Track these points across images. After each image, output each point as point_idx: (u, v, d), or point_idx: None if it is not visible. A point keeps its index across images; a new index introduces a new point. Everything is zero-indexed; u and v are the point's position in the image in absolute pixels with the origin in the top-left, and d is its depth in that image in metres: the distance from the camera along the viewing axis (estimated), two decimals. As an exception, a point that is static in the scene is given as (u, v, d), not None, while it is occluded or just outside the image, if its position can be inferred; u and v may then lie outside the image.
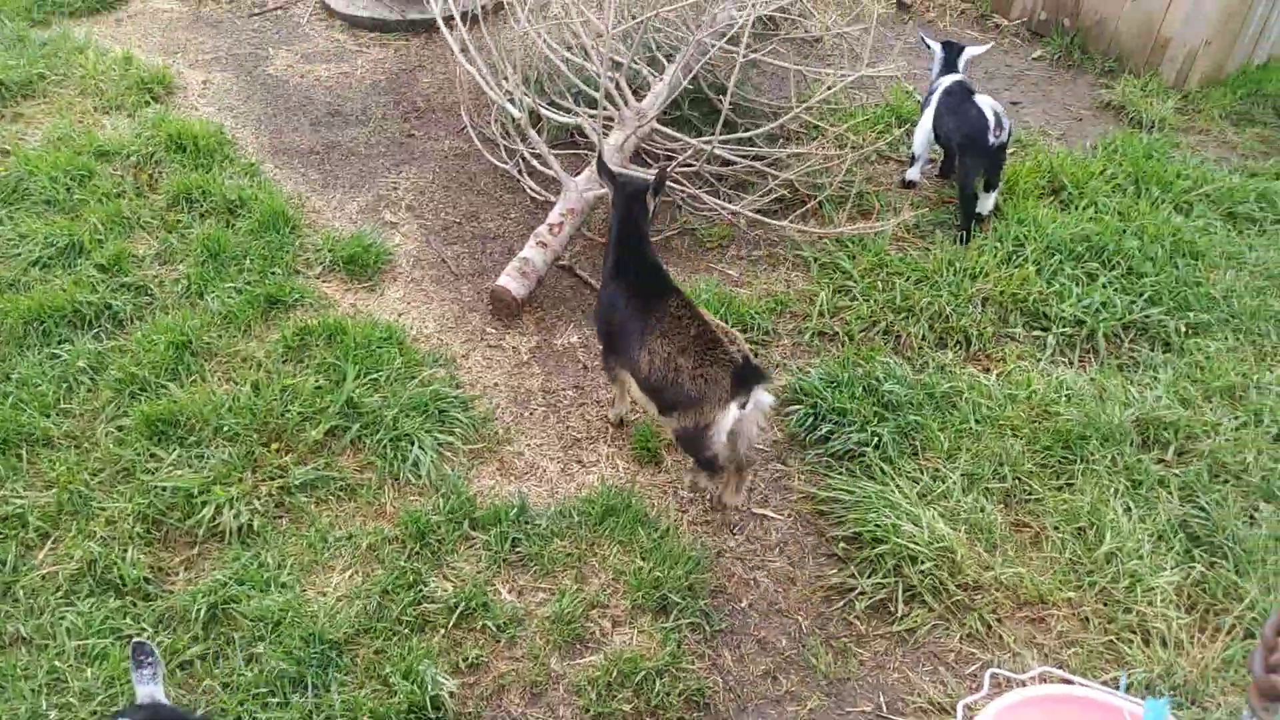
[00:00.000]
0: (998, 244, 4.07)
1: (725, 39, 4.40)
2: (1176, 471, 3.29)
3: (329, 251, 4.06)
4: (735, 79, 4.15)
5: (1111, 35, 5.45)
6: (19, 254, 3.90)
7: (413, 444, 3.27)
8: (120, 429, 3.28)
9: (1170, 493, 3.22)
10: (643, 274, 3.18)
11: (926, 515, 3.09)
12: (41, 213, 4.09)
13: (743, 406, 2.91)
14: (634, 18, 4.36)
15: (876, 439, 3.35)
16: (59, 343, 3.56)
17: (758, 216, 4.20)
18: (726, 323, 3.79)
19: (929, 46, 4.45)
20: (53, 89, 4.86)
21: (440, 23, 4.53)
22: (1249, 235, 4.30)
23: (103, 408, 3.34)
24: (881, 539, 3.05)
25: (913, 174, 4.49)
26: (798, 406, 3.50)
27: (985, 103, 4.07)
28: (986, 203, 4.22)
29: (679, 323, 3.02)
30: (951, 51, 4.38)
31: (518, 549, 3.03)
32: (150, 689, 2.18)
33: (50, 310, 3.62)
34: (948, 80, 4.28)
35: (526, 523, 3.09)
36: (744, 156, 4.40)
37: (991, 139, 4.01)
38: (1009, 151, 4.27)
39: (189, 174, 4.31)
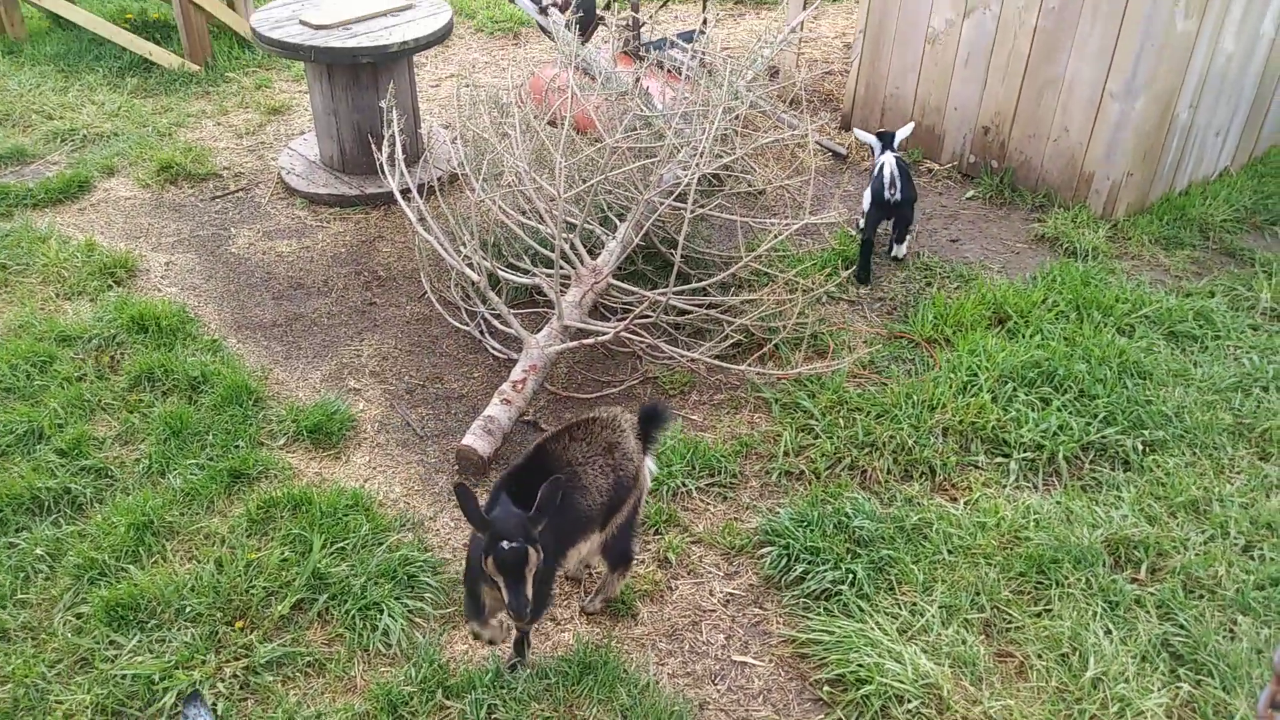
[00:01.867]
0: (952, 375, 4.17)
1: (673, 197, 4.58)
2: (1152, 590, 3.30)
3: (293, 422, 4.06)
4: (685, 233, 4.30)
5: (1038, 173, 5.74)
6: (-23, 443, 3.86)
7: (382, 612, 3.21)
8: (79, 617, 3.18)
9: (1148, 611, 3.22)
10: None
11: (909, 652, 3.05)
12: (0, 400, 4.08)
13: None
14: (584, 181, 4.54)
15: (851, 576, 3.33)
16: (16, 531, 3.49)
17: (716, 362, 4.28)
18: (694, 468, 3.83)
19: (867, 140, 5.43)
20: (14, 278, 4.92)
21: (398, 195, 4.68)
22: (1192, 352, 4.44)
23: (60, 595, 3.25)
24: (865, 679, 2.99)
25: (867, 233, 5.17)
26: (770, 548, 3.49)
27: (889, 163, 4.94)
28: (899, 250, 5.21)
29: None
30: (885, 138, 5.30)
31: (494, 716, 2.94)
32: None
33: (7, 498, 3.56)
34: (888, 157, 5.07)
35: (502, 688, 3.00)
36: (699, 305, 4.52)
37: (887, 195, 4.88)
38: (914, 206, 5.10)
39: (151, 354, 4.34)
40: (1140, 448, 3.88)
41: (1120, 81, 5.16)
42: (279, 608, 3.20)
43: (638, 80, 5.11)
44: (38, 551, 3.39)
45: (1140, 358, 4.28)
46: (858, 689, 2.99)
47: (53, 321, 4.54)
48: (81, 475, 3.73)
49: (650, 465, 3.19)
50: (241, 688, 3.00)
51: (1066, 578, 3.32)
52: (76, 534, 3.48)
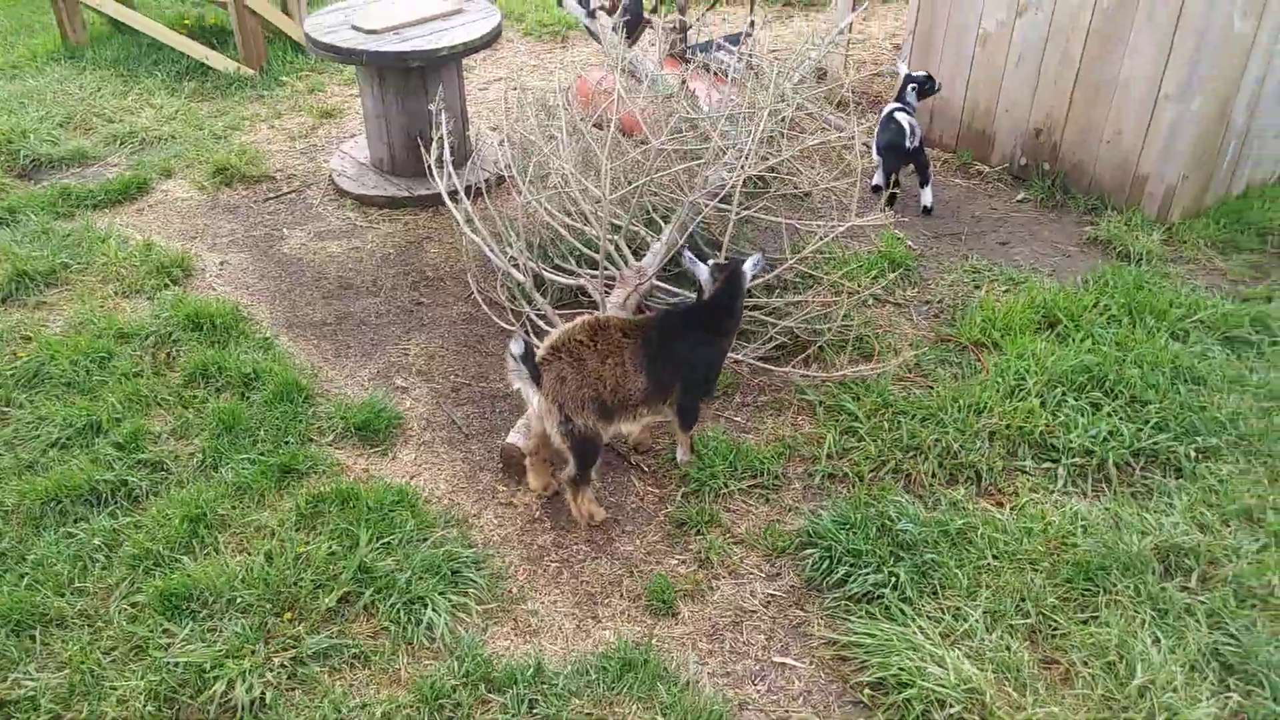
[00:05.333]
0: (999, 378, 4.13)
1: (718, 199, 4.59)
2: (1202, 598, 3.23)
3: (341, 419, 4.13)
4: (729, 235, 4.31)
5: (1091, 176, 5.66)
6: (38, 436, 3.98)
7: (426, 606, 3.25)
8: (134, 605, 3.27)
9: (1198, 620, 3.16)
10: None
11: (951, 656, 3.03)
12: (61, 395, 4.20)
13: None
14: (629, 183, 4.57)
15: (894, 579, 3.31)
16: (75, 521, 3.59)
17: (760, 364, 4.27)
18: (736, 469, 3.83)
19: (897, 71, 5.91)
20: (75, 277, 5.06)
21: (445, 197, 4.74)
22: (1248, 358, 4.35)
23: (117, 585, 3.34)
24: (907, 683, 2.97)
25: (876, 179, 5.83)
26: (812, 550, 3.48)
27: (902, 116, 5.47)
28: (925, 196, 5.72)
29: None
30: (904, 82, 5.74)
31: (535, 710, 2.96)
32: None
33: (67, 490, 3.67)
34: (899, 111, 5.57)
35: (543, 683, 3.03)
36: (744, 307, 4.51)
37: (908, 144, 5.43)
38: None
39: (205, 351, 4.44)
40: (1193, 454, 3.81)
41: (1176, 83, 5.07)
42: (326, 600, 3.25)
43: (684, 82, 5.13)
44: (95, 542, 3.48)
45: (1194, 363, 4.20)
46: (899, 693, 2.97)
47: (111, 319, 4.66)
48: (138, 468, 3.83)
49: None
50: (289, 678, 3.06)
51: (1114, 585, 3.27)
52: (133, 525, 3.57)
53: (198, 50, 7.56)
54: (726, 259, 3.76)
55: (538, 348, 3.46)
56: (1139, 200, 5.46)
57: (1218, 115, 5.19)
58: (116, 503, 3.69)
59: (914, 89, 5.68)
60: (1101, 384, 4.08)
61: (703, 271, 3.70)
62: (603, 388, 3.44)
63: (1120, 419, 3.93)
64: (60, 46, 7.89)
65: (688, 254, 3.80)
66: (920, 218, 5.68)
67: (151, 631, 3.15)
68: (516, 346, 3.27)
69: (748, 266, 3.70)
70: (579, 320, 3.56)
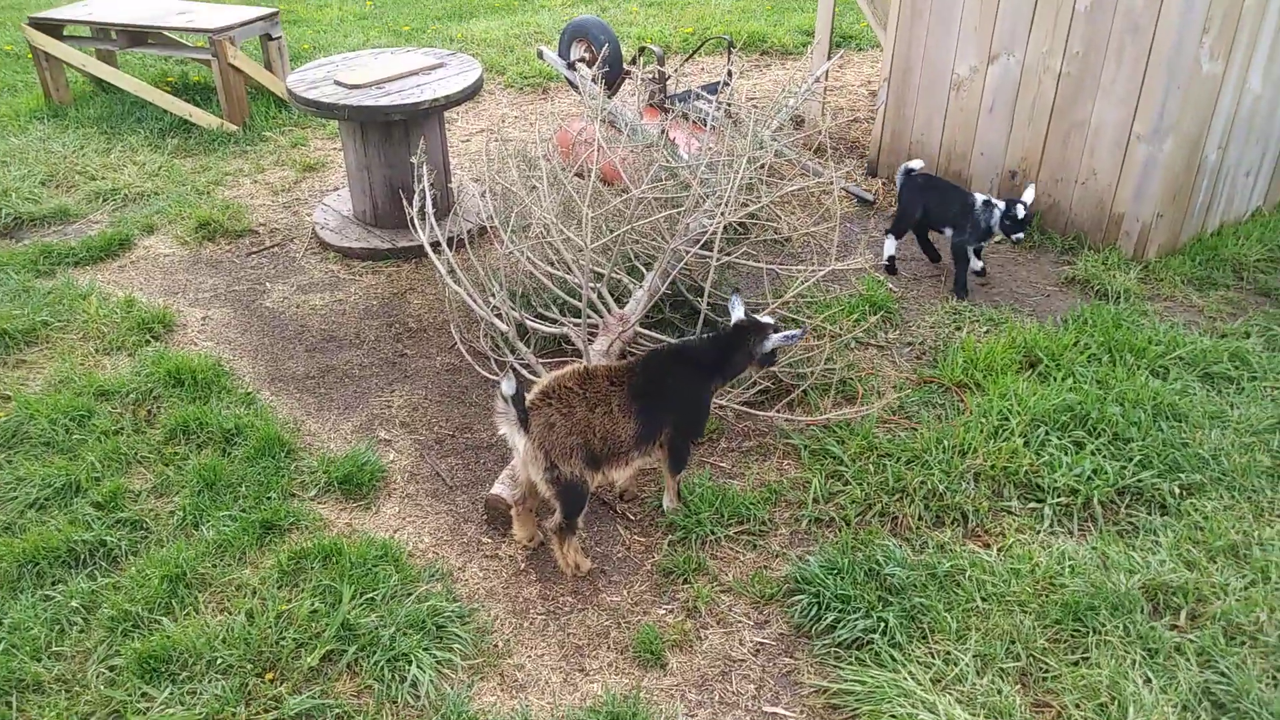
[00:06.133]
0: (983, 419, 4.14)
1: (699, 245, 4.62)
2: (1191, 637, 3.22)
3: (324, 473, 4.10)
4: (711, 281, 4.33)
5: (1067, 216, 5.73)
6: (15, 497, 3.93)
7: (411, 664, 3.20)
8: (112, 669, 3.21)
9: (1188, 659, 3.14)
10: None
11: (943, 702, 3.00)
12: (40, 454, 4.16)
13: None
14: (611, 232, 4.59)
15: (883, 624, 3.29)
16: (53, 583, 3.54)
17: (744, 409, 4.27)
18: (722, 515, 3.81)
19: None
20: (55, 335, 5.03)
21: (428, 248, 4.76)
22: (1228, 394, 4.37)
23: (94, 648, 3.28)
24: (898, 730, 2.94)
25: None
26: (800, 596, 3.45)
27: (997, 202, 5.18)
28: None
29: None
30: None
31: (522, 768, 2.91)
32: None
33: (45, 551, 3.62)
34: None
35: (530, 739, 2.99)
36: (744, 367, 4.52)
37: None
38: None
39: (186, 407, 4.41)
40: (1177, 491, 3.82)
41: (1147, 124, 5.16)
42: (309, 659, 3.20)
43: (663, 131, 5.18)
44: (73, 604, 3.43)
45: (1175, 400, 4.22)
46: (891, 741, 2.94)
47: (92, 376, 4.63)
48: (117, 528, 3.78)
49: None
50: (271, 740, 3.00)
51: (1104, 625, 3.25)
52: (111, 586, 3.52)
53: (181, 107, 7.61)
54: (766, 321, 3.85)
55: (528, 392, 3.46)
56: (1115, 239, 5.53)
57: (1189, 154, 5.27)
58: (95, 563, 3.64)
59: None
60: (1084, 422, 4.09)
61: (738, 311, 3.85)
62: (592, 435, 3.43)
63: (1104, 457, 3.94)
64: (43, 105, 7.92)
65: (736, 297, 3.93)
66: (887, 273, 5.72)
67: (130, 695, 3.10)
68: (508, 387, 3.26)
69: (776, 339, 3.77)
70: (569, 369, 3.56)
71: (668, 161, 4.92)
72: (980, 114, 5.92)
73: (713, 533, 3.77)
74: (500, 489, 3.82)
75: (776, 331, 3.77)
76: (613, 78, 6.82)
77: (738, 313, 3.84)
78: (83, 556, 3.65)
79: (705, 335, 3.86)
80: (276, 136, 7.57)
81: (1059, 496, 3.81)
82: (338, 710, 3.09)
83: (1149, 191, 5.29)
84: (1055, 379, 4.41)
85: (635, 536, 3.84)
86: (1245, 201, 5.85)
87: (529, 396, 3.43)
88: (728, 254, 4.71)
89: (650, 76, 6.45)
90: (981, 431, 4.08)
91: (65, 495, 3.94)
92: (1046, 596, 3.39)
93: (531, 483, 3.49)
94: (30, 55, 7.92)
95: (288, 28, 9.97)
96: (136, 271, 5.78)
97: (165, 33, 7.79)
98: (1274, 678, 3.08)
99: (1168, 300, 5.19)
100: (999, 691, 3.06)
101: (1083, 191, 5.59)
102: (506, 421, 3.38)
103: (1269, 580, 3.41)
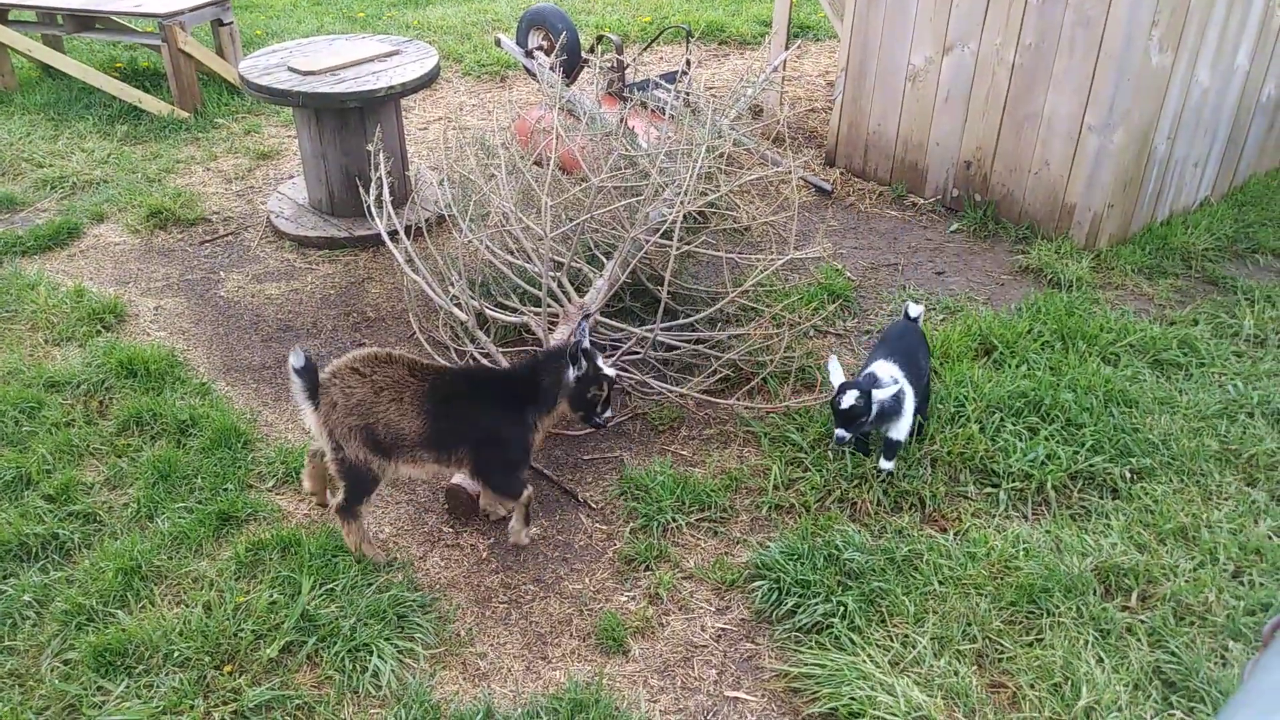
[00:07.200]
0: (939, 406, 4.19)
1: (659, 234, 4.62)
2: (1142, 618, 3.30)
3: (282, 464, 4.06)
4: (671, 270, 4.34)
5: (1021, 206, 5.81)
6: (-36, 491, 3.85)
7: (372, 654, 3.18)
8: (66, 663, 3.16)
9: (1139, 639, 3.22)
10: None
11: (901, 684, 3.04)
12: (-12, 447, 4.07)
13: None
14: (571, 220, 4.58)
15: (842, 609, 3.33)
16: (4, 577, 3.47)
17: (705, 397, 4.29)
18: (684, 503, 3.83)
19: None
20: (2, 325, 4.92)
21: (385, 237, 4.71)
22: (1177, 380, 4.47)
23: (48, 642, 3.23)
24: (858, 713, 2.98)
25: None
26: (761, 582, 3.48)
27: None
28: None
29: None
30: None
31: (485, 756, 2.91)
32: None
33: (-5, 545, 3.55)
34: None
35: (493, 727, 2.99)
36: (686, 341, 4.55)
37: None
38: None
39: (140, 398, 4.34)
40: (1128, 475, 3.90)
41: (1098, 115, 5.24)
42: (268, 650, 3.18)
43: (623, 120, 5.17)
44: (25, 598, 3.37)
45: (1126, 386, 4.31)
46: (851, 722, 2.97)
47: (41, 367, 4.54)
48: (69, 520, 3.72)
49: None
50: (230, 733, 2.97)
51: (1057, 607, 3.32)
52: (64, 580, 3.46)
53: (130, 94, 7.46)
54: (590, 350, 3.52)
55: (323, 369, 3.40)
56: (1068, 229, 5.62)
57: (1139, 145, 5.37)
58: (47, 557, 3.58)
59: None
60: (1038, 408, 4.16)
61: (584, 339, 3.53)
62: (375, 421, 3.35)
63: (1057, 442, 4.01)
64: (-14, 91, 7.73)
65: (586, 341, 3.53)
66: (860, 251, 5.77)
67: (85, 689, 3.05)
68: (296, 359, 3.21)
69: (573, 374, 3.50)
70: (366, 350, 3.49)
71: (627, 150, 4.91)
72: (936, 105, 5.98)
73: (674, 520, 3.79)
74: (460, 479, 3.81)
75: (585, 362, 3.48)
76: (571, 66, 6.80)
77: (575, 338, 3.52)
78: (34, 550, 3.58)
79: (525, 361, 3.67)
80: (229, 124, 7.45)
81: (1014, 481, 3.87)
82: (298, 701, 3.07)
83: (1100, 182, 5.38)
84: (1010, 366, 4.48)
85: (597, 525, 3.85)
86: (1194, 192, 5.98)
87: (324, 371, 3.38)
88: (687, 243, 4.72)
89: (608, 65, 6.43)
90: (938, 418, 4.14)
91: (15, 488, 3.86)
92: (1002, 579, 3.45)
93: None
94: (-27, 39, 7.71)
95: (240, 13, 9.80)
96: (86, 261, 5.67)
97: (113, 17, 7.63)
98: (1222, 657, 3.16)
99: (1119, 288, 5.29)
100: (956, 673, 3.11)
101: (1035, 181, 5.68)
102: (297, 392, 3.31)
103: (1217, 562, 3.50)
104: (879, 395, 3.67)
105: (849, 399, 3.63)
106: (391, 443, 3.39)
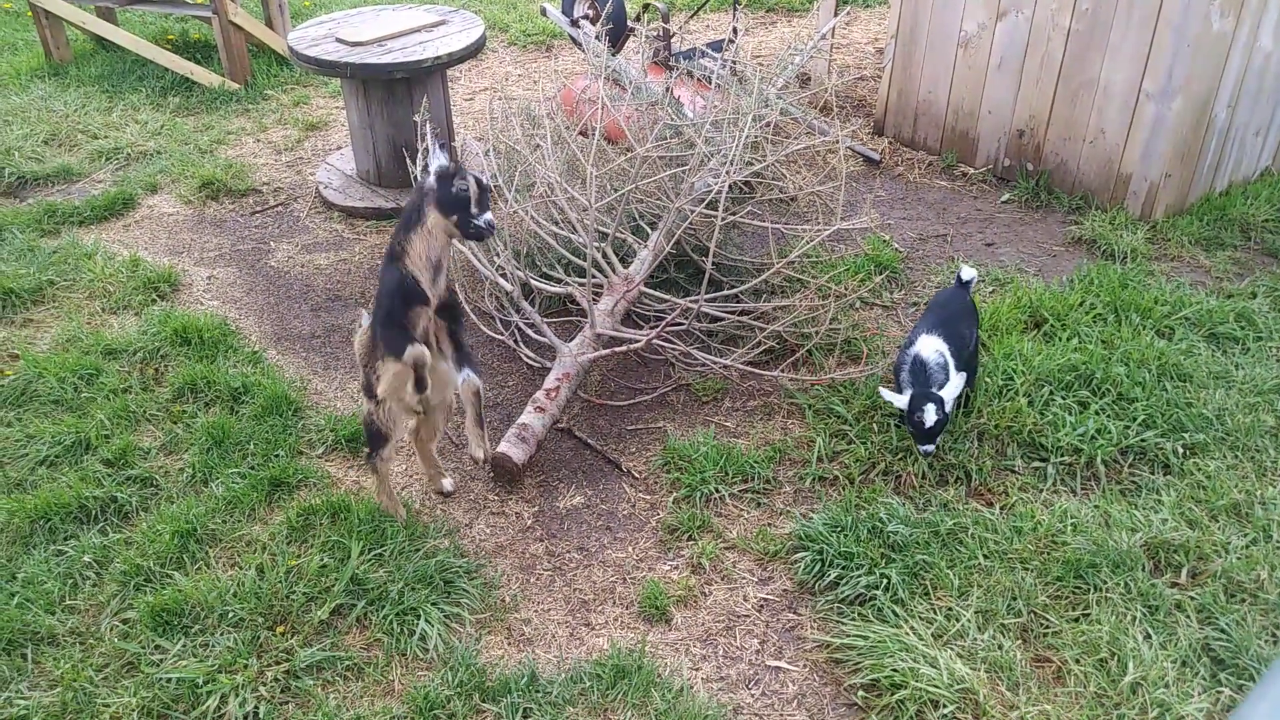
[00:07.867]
0: (987, 379, 4.15)
1: (704, 204, 4.60)
2: (1192, 594, 3.25)
3: (331, 431, 4.13)
4: (716, 240, 4.32)
5: (1074, 175, 5.70)
6: (26, 454, 3.96)
7: (419, 617, 3.25)
8: (125, 622, 3.26)
9: (1188, 616, 3.18)
10: None
11: (944, 656, 3.04)
12: (49, 412, 4.18)
13: None
14: (615, 191, 4.58)
15: (885, 581, 3.32)
16: (65, 539, 3.58)
17: (749, 368, 4.29)
18: (727, 474, 3.84)
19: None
20: (62, 294, 5.04)
21: (432, 207, 4.74)
22: (1233, 354, 4.37)
23: (108, 601, 3.33)
24: (900, 684, 2.98)
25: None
26: (804, 553, 3.49)
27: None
28: None
29: None
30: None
31: (530, 719, 2.96)
32: None
33: (56, 507, 3.66)
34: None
35: (537, 691, 3.03)
36: (731, 312, 4.54)
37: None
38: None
39: (194, 366, 4.43)
40: (1180, 451, 3.83)
41: (1156, 83, 5.11)
42: (319, 613, 3.25)
43: (668, 90, 5.15)
44: (85, 559, 3.47)
45: (1180, 360, 4.23)
46: (892, 694, 2.98)
47: (99, 335, 4.65)
48: (127, 484, 3.82)
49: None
50: (283, 691, 3.05)
51: (1105, 582, 3.29)
52: (123, 541, 3.56)
53: (182, 65, 7.55)
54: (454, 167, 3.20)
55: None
56: (1122, 199, 5.50)
57: (1198, 114, 5.23)
58: (106, 519, 3.68)
59: None
60: (1088, 382, 4.10)
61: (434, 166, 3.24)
62: None
63: (1107, 417, 3.95)
64: (44, 64, 7.87)
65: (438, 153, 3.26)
66: (907, 222, 5.70)
67: (143, 648, 3.15)
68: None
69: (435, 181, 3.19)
70: None
71: (672, 120, 4.89)
72: (988, 72, 5.87)
73: (717, 490, 3.80)
74: (507, 446, 3.85)
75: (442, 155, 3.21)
76: (617, 35, 6.76)
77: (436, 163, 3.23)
78: (94, 512, 3.68)
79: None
80: (278, 95, 7.52)
81: (1062, 455, 3.83)
82: (348, 662, 3.14)
83: (1157, 151, 5.26)
84: (1060, 339, 4.41)
85: (640, 494, 3.87)
86: (1254, 161, 5.82)
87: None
88: (733, 213, 4.70)
89: (655, 34, 6.39)
90: (986, 391, 4.09)
91: (75, 452, 3.97)
92: (1048, 554, 3.42)
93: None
94: (30, 13, 7.84)
95: (289, -16, 9.85)
96: (141, 231, 5.78)
97: (165, -11, 7.72)
98: (1273, 635, 3.11)
99: (1174, 260, 5.18)
100: (1000, 646, 3.10)
101: (1090, 151, 5.56)
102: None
103: (1270, 539, 3.44)
104: (948, 394, 3.66)
105: (931, 415, 3.61)
106: None
